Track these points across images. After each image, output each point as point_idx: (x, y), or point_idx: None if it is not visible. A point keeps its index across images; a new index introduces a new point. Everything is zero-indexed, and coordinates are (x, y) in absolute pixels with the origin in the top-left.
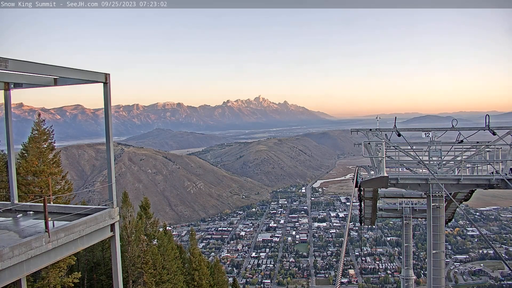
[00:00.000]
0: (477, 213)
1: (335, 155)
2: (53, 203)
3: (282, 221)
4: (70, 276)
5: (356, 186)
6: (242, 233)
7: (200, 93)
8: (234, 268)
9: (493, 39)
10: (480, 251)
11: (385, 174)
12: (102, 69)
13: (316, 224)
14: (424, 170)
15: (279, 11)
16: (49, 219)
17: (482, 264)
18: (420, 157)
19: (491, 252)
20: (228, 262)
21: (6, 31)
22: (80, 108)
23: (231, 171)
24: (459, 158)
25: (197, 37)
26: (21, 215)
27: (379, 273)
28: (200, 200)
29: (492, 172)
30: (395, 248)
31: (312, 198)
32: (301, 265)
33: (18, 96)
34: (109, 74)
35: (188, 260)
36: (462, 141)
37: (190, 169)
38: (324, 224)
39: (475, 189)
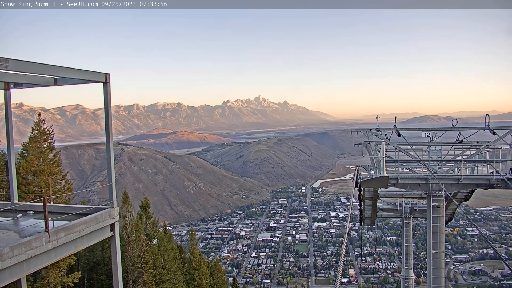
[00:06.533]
0: (477, 213)
1: (335, 155)
2: (53, 203)
3: (282, 221)
4: (70, 276)
5: (356, 186)
6: (242, 233)
7: (200, 93)
8: (234, 268)
9: (493, 39)
10: (480, 251)
11: (385, 174)
12: (102, 69)
13: (316, 224)
14: (424, 170)
15: (279, 11)
16: (49, 219)
17: (482, 264)
18: (420, 157)
19: (491, 252)
20: (228, 262)
21: (6, 31)
22: (80, 108)
23: (231, 171)
24: (459, 158)
25: (197, 37)
26: (21, 215)
27: (379, 273)
28: (200, 200)
29: (492, 172)
30: (395, 248)
31: (312, 198)
32: (301, 265)
33: (18, 96)
34: (109, 74)
35: (188, 260)
36: (462, 141)
37: (190, 169)
38: (324, 224)
39: (475, 189)
